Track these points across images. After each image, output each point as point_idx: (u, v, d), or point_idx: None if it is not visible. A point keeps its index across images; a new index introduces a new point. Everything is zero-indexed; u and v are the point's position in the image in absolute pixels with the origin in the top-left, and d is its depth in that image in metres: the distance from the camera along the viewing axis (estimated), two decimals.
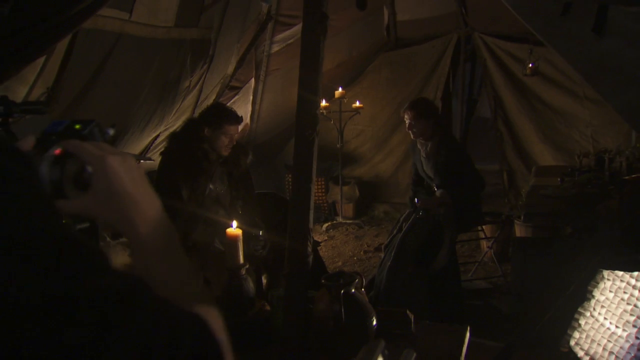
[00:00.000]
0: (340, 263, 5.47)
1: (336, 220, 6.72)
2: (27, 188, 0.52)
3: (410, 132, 3.89)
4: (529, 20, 1.98)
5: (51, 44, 2.61)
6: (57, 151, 0.74)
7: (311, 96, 2.20)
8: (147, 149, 4.34)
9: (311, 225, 2.20)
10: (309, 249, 2.18)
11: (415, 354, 1.55)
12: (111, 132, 0.90)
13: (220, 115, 3.36)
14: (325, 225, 6.60)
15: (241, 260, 2.36)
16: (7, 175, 0.50)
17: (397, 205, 6.95)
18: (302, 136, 2.20)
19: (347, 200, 6.86)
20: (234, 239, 2.34)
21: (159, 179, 3.29)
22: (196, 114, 4.32)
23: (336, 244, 6.08)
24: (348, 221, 6.69)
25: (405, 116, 3.86)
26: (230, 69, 4.95)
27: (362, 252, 5.75)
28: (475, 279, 4.64)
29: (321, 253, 5.57)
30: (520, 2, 2.07)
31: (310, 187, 2.19)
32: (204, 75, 4.26)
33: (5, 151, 0.52)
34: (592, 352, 2.51)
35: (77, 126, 0.83)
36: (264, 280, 3.55)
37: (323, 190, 7.08)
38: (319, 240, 6.06)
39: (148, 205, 0.76)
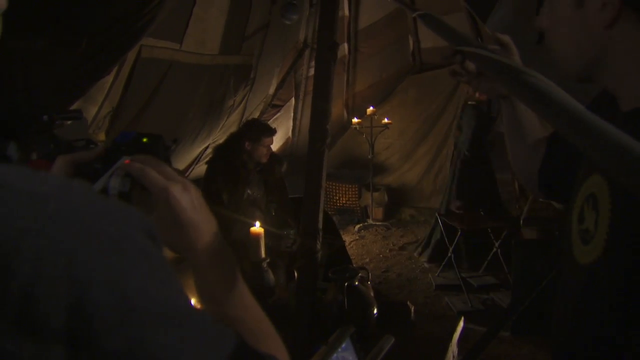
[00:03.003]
0: (367, 259, 5.45)
1: (367, 222, 6.68)
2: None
3: None
4: None
5: (109, 68, 2.71)
6: (127, 162, 0.70)
7: (322, 115, 2.21)
8: (197, 158, 4.43)
9: (320, 225, 2.21)
10: (318, 246, 2.18)
11: (393, 340, 1.54)
12: (173, 146, 0.85)
13: (258, 130, 3.43)
14: (358, 226, 6.58)
15: (263, 254, 2.38)
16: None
17: (422, 209, 6.87)
18: (314, 148, 2.21)
19: (377, 205, 6.83)
20: (256, 236, 2.37)
21: (204, 185, 3.37)
22: None
23: (366, 243, 6.06)
24: (378, 223, 6.64)
25: None
26: (272, 90, 5.02)
27: (387, 251, 5.71)
28: (484, 275, 4.55)
29: (352, 251, 5.58)
30: (501, 31, 2.04)
31: (320, 192, 2.19)
32: (246, 95, 4.33)
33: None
34: None
35: (145, 139, 0.78)
36: (297, 274, 3.56)
37: (356, 195, 7.07)
38: (351, 240, 6.06)
39: (206, 231, 0.70)
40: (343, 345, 1.10)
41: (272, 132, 3.46)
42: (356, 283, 2.11)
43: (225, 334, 0.51)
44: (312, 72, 5.42)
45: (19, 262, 0.37)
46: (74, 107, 2.90)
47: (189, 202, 0.68)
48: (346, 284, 2.07)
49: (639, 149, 0.55)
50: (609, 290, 0.81)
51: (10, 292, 0.37)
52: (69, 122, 1.92)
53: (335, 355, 1.05)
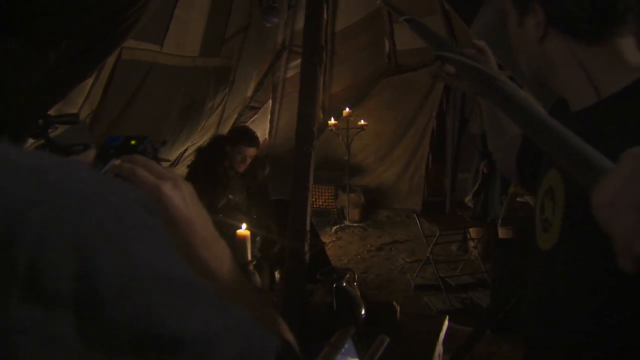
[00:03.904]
0: (345, 261, 5.47)
1: (344, 224, 6.70)
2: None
3: None
4: (492, 50, 2.00)
5: (90, 71, 2.68)
6: (117, 162, 0.70)
7: (308, 118, 2.23)
8: (177, 160, 4.40)
9: (308, 227, 2.22)
10: (306, 248, 2.20)
11: (388, 339, 1.56)
12: (161, 148, 0.84)
13: (240, 136, 3.41)
14: (334, 227, 6.60)
15: (249, 257, 2.39)
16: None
17: (398, 210, 6.94)
18: (301, 150, 2.23)
19: (354, 206, 6.85)
20: (243, 239, 2.37)
21: None
22: (219, 131, 4.39)
23: (343, 244, 6.09)
24: (354, 224, 6.67)
25: None
26: (250, 92, 5.02)
27: (365, 252, 5.75)
28: (462, 274, 4.63)
29: (329, 252, 5.57)
30: (483, 36, 2.10)
31: (307, 194, 2.22)
32: (225, 98, 4.32)
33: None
34: None
35: (133, 142, 0.79)
36: (277, 275, 3.56)
37: (332, 197, 7.09)
38: (328, 241, 6.07)
39: (202, 226, 0.69)
40: (345, 346, 1.12)
41: (252, 143, 3.40)
42: (344, 284, 2.13)
43: (229, 304, 0.52)
44: (289, 74, 5.44)
45: (25, 230, 0.38)
46: (52, 110, 2.86)
47: (181, 198, 0.68)
48: (334, 285, 2.09)
49: (583, 147, 0.63)
50: (563, 275, 0.90)
51: (18, 260, 0.37)
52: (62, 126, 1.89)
53: (339, 356, 1.08)
